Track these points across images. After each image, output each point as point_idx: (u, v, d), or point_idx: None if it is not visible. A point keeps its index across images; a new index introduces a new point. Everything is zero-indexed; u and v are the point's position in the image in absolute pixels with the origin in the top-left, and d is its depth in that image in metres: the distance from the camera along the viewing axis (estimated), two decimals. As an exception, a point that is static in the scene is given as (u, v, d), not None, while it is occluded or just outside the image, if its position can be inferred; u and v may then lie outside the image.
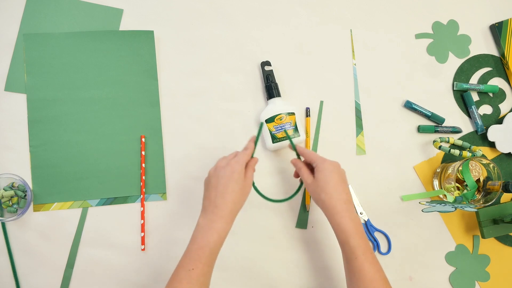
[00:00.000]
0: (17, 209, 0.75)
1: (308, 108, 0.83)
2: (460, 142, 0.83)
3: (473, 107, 0.85)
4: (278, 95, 0.81)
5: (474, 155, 0.78)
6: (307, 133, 0.82)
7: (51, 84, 0.79)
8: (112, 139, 0.79)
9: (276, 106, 0.80)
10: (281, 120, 0.79)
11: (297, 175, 0.76)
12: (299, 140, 0.79)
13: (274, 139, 0.79)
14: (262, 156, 0.82)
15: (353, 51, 0.86)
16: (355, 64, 0.86)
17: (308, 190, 0.70)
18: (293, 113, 0.79)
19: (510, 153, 0.85)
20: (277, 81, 0.82)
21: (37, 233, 0.76)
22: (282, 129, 0.79)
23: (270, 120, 0.79)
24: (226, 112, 0.82)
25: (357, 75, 0.85)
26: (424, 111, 0.84)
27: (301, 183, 0.75)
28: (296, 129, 0.79)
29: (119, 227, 0.78)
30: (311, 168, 0.71)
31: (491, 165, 0.78)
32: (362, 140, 0.84)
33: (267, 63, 0.83)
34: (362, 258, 0.63)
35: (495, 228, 0.79)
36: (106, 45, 0.80)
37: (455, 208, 0.72)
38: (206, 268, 0.62)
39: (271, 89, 0.81)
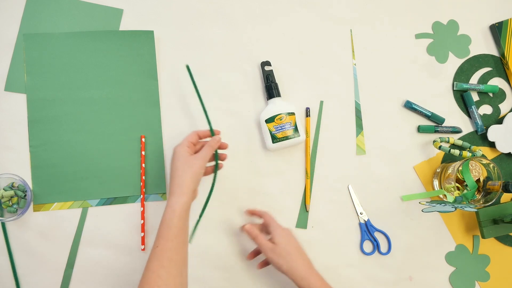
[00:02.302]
0: (17, 209, 0.75)
1: (308, 108, 0.83)
2: (460, 142, 0.83)
3: (473, 107, 0.85)
4: (278, 95, 0.81)
5: (474, 155, 0.78)
6: (307, 133, 0.82)
7: (51, 84, 0.79)
8: (112, 139, 0.79)
9: (276, 106, 0.80)
10: (281, 120, 0.79)
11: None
12: (299, 140, 0.79)
13: (274, 139, 0.79)
14: (262, 156, 0.82)
15: (353, 51, 0.86)
16: (355, 64, 0.86)
17: (267, 256, 0.70)
18: (293, 113, 0.79)
19: (510, 153, 0.85)
20: (277, 81, 0.82)
21: (37, 233, 0.76)
22: (282, 129, 0.79)
23: (270, 120, 0.79)
24: (226, 112, 0.82)
25: (357, 75, 0.85)
26: (424, 111, 0.84)
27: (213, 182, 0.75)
28: (296, 129, 0.79)
29: (119, 227, 0.78)
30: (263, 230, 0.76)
31: (491, 165, 0.78)
32: (362, 140, 0.84)
33: (267, 63, 0.83)
34: None
35: (495, 228, 0.79)
36: (106, 45, 0.80)
37: (455, 208, 0.72)
38: (169, 244, 0.64)
39: (271, 89, 0.81)
